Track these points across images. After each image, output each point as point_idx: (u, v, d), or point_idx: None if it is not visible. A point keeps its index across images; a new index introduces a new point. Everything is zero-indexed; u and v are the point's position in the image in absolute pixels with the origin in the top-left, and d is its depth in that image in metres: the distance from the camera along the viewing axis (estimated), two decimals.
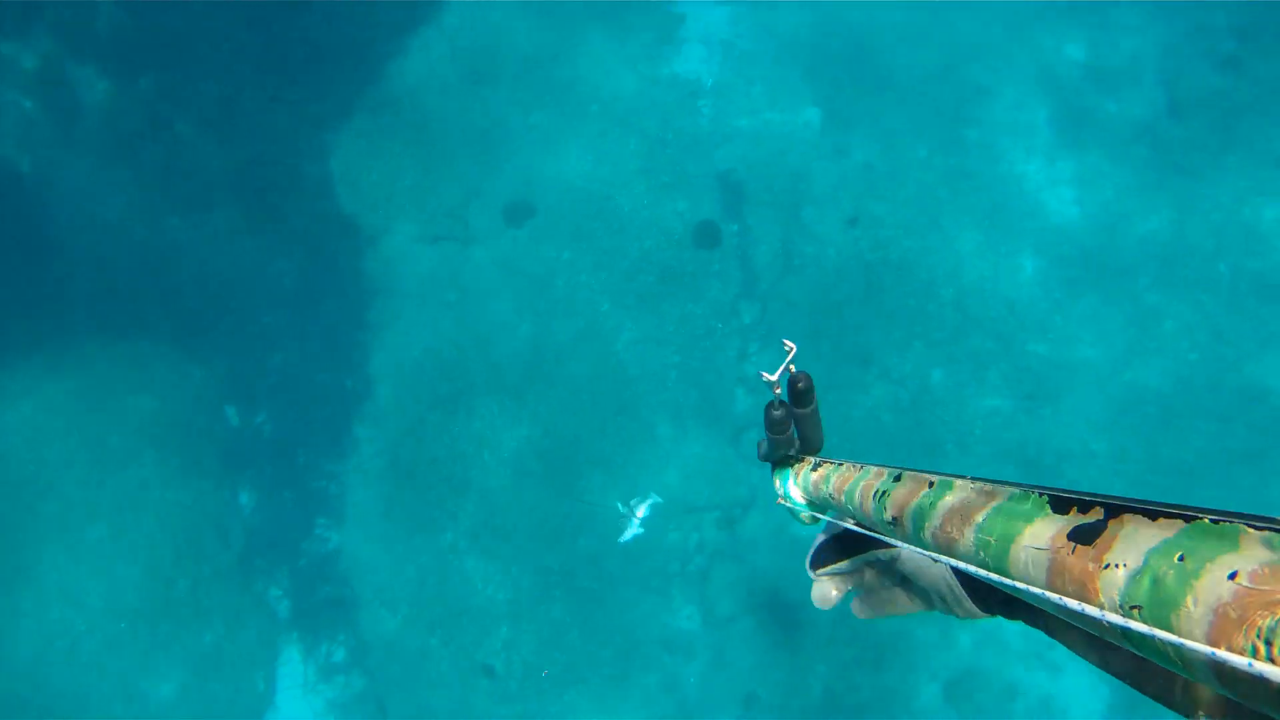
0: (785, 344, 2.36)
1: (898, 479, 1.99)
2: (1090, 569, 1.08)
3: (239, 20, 14.06)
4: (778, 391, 2.58)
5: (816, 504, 2.65)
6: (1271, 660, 0.80)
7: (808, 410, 2.57)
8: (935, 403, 12.47)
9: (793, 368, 2.48)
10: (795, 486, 2.71)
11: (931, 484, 1.80)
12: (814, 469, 2.54)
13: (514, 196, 13.52)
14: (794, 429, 2.60)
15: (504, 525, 12.28)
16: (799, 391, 2.50)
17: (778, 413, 2.61)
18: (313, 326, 13.30)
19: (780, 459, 2.73)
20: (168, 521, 12.55)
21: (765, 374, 2.36)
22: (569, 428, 12.55)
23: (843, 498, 2.32)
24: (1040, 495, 1.36)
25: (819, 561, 2.42)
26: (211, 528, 12.57)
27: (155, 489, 12.62)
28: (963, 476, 1.72)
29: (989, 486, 1.56)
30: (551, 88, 13.99)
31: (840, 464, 2.44)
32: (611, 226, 13.42)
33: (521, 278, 13.22)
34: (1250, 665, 0.82)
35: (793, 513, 2.82)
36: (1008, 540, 1.36)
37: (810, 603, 2.15)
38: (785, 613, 12.01)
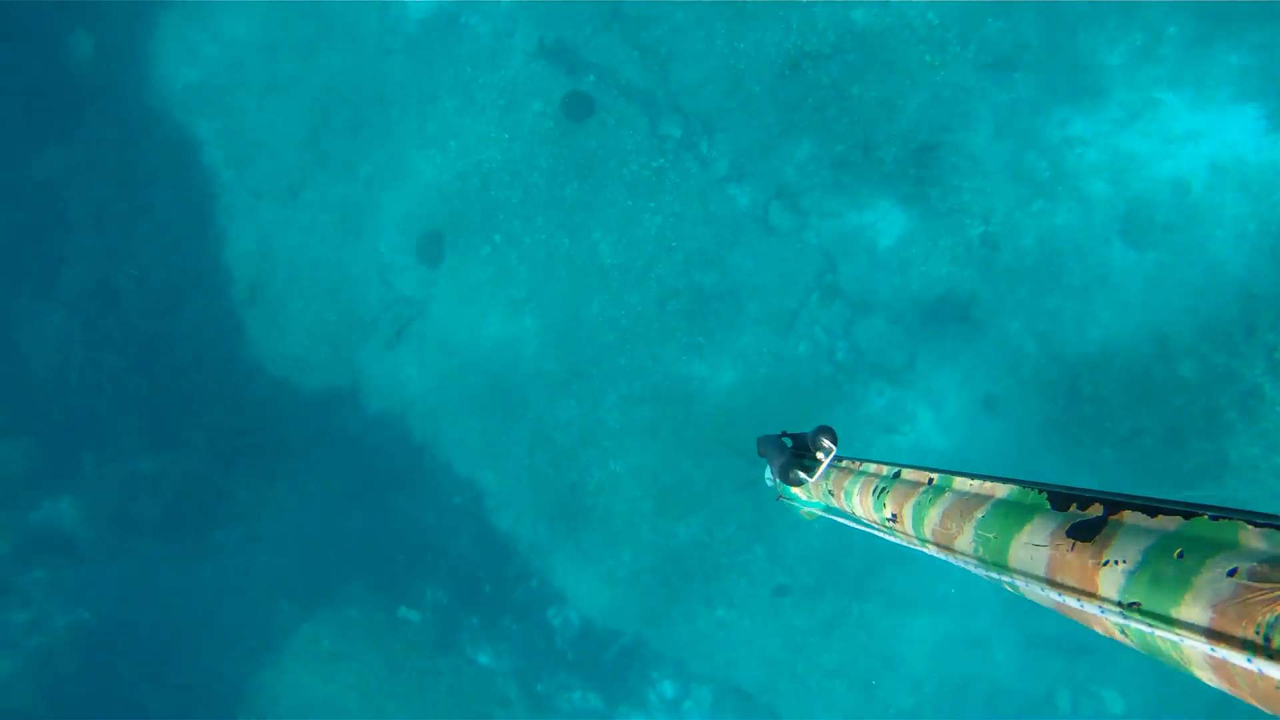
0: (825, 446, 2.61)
1: (897, 476, 2.01)
2: (1089, 565, 1.15)
3: None
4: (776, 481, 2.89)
5: (816, 501, 2.79)
6: (1270, 657, 0.81)
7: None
8: None
9: (821, 455, 2.66)
10: (813, 482, 2.82)
11: (931, 480, 1.80)
12: (798, 475, 2.59)
13: None
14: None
15: None
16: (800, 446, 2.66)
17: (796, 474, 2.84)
18: None
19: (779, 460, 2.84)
20: None
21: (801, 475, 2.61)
22: None
23: (842, 495, 2.38)
24: (1039, 492, 1.38)
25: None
26: None
27: None
28: (962, 473, 1.71)
29: (988, 483, 1.57)
30: None
31: (840, 461, 2.47)
32: None
33: None
34: (1250, 661, 0.83)
35: (793, 509, 3.01)
36: (1007, 537, 1.37)
37: None
38: None
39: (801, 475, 2.63)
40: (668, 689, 13.55)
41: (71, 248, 14.48)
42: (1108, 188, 12.64)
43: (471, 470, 13.82)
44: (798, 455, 2.75)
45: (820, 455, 2.60)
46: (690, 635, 13.37)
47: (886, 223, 12.98)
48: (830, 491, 2.57)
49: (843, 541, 12.79)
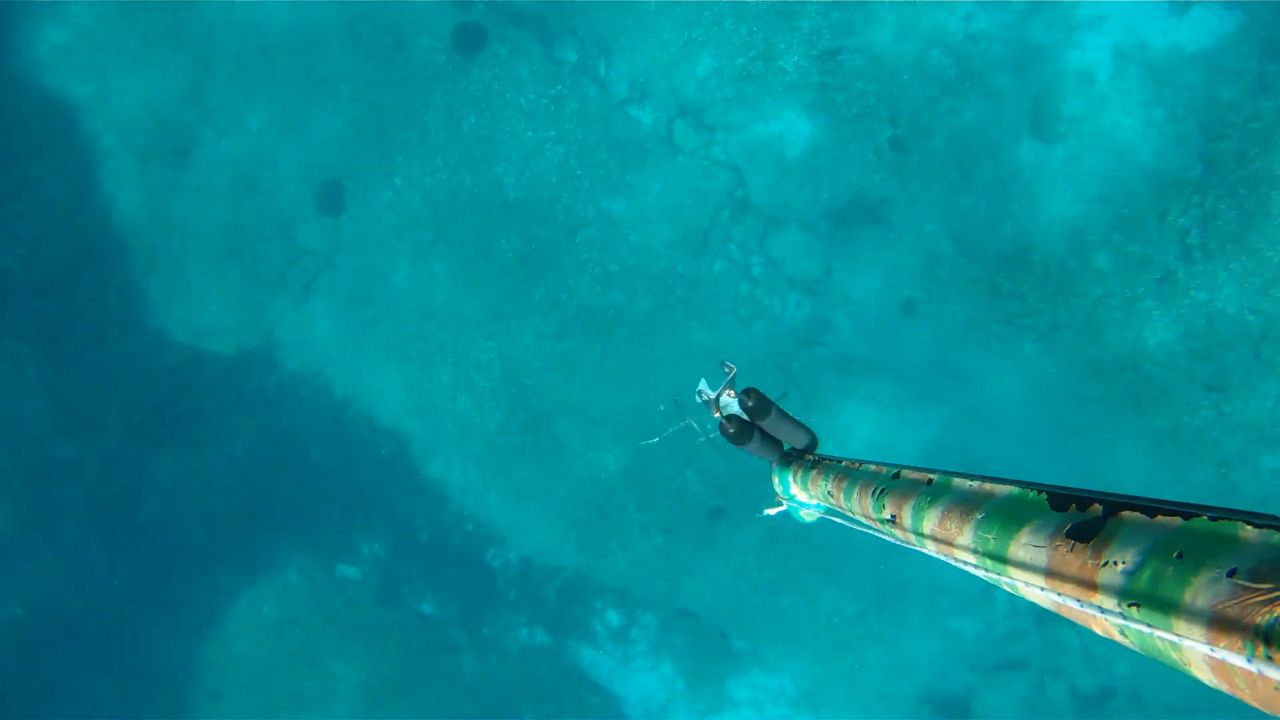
0: (725, 366, 2.67)
1: (896, 476, 2.04)
2: (1089, 566, 1.14)
3: None
4: (718, 414, 2.89)
5: (816, 503, 2.73)
6: (1270, 658, 0.81)
7: (769, 417, 2.68)
8: None
9: (731, 392, 2.75)
10: (795, 485, 2.81)
11: (930, 481, 1.83)
12: (812, 467, 2.52)
13: None
14: (763, 435, 2.72)
15: None
16: (751, 409, 2.64)
17: (732, 429, 2.81)
18: None
19: (779, 459, 2.79)
20: None
21: (702, 393, 2.57)
22: None
23: (841, 495, 2.38)
24: (1039, 493, 1.39)
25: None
26: None
27: None
28: (961, 474, 1.74)
29: (987, 484, 1.58)
30: None
31: (839, 461, 2.47)
32: None
33: None
34: (1249, 662, 0.83)
35: (792, 510, 2.97)
36: (1007, 537, 1.38)
37: None
38: None
39: (701, 386, 2.94)
40: (613, 618, 13.61)
41: None
42: (1014, 81, 12.45)
43: (396, 420, 13.56)
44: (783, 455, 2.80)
45: (728, 376, 2.79)
46: (630, 564, 13.38)
47: (794, 133, 12.70)
48: (830, 492, 2.55)
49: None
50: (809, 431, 2.85)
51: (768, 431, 2.98)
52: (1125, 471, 12.71)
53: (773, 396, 3.05)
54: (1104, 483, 11.41)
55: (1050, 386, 12.69)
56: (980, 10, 12.49)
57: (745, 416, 2.96)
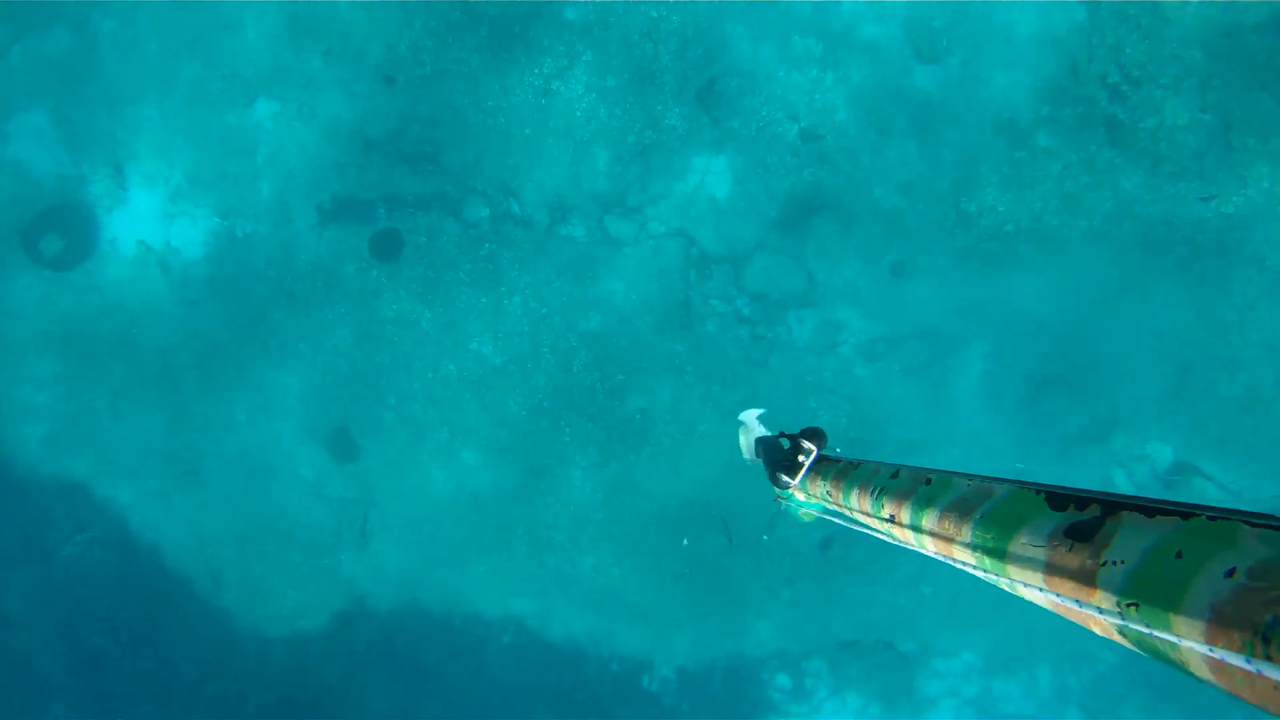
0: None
1: (895, 476, 2.00)
2: (1088, 565, 1.16)
3: None
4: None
5: (814, 502, 2.73)
6: (1269, 657, 0.81)
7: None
8: None
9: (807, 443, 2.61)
10: (794, 485, 2.76)
11: (928, 481, 1.82)
12: (810, 468, 2.50)
13: None
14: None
15: None
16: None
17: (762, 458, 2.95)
18: None
19: (777, 458, 2.76)
20: None
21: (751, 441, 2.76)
22: None
23: (840, 495, 2.34)
24: (1037, 493, 1.39)
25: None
26: None
27: None
28: (960, 473, 1.74)
29: (986, 484, 1.57)
30: None
31: (837, 461, 2.45)
32: None
33: None
34: (1249, 662, 0.83)
35: (790, 511, 2.92)
36: (1005, 537, 1.37)
37: None
38: None
39: (785, 479, 2.63)
40: (784, 681, 13.58)
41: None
42: (878, 26, 12.51)
43: (501, 606, 13.69)
44: (787, 457, 2.74)
45: (801, 458, 2.59)
46: (772, 627, 13.37)
47: (713, 175, 12.82)
48: (829, 492, 2.54)
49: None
50: (815, 431, 2.83)
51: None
52: (1174, 309, 12.59)
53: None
54: (1161, 320, 11.32)
55: (1066, 271, 12.62)
56: (826, 2, 12.58)
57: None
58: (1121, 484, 13.22)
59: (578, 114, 12.78)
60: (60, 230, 14.37)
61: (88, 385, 14.00)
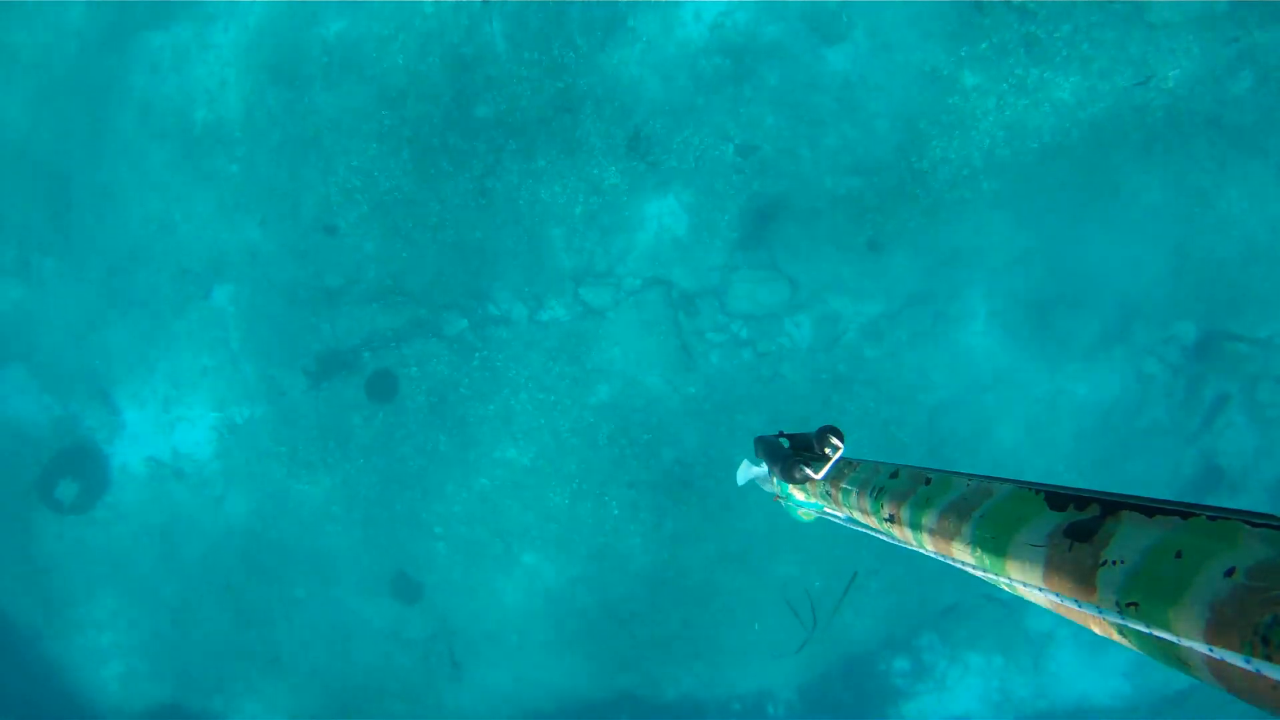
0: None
1: (894, 476, 2.00)
2: (1087, 565, 1.16)
3: None
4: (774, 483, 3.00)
5: (814, 502, 2.84)
6: (1269, 657, 0.80)
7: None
8: None
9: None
10: (793, 485, 2.80)
11: (928, 480, 1.81)
12: (805, 471, 2.53)
13: None
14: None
15: None
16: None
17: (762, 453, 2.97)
18: None
19: (776, 457, 2.77)
20: None
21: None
22: None
23: (839, 495, 2.34)
24: (1037, 492, 1.37)
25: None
26: None
27: None
28: (959, 473, 1.71)
29: (985, 483, 1.55)
30: None
31: (837, 462, 2.43)
32: None
33: None
34: (1249, 662, 0.82)
35: (790, 511, 3.04)
36: (1005, 537, 1.36)
37: None
38: None
39: (808, 472, 2.58)
40: (902, 664, 13.60)
41: None
42: (778, 25, 12.50)
43: (607, 685, 13.73)
44: (800, 453, 2.70)
45: (828, 451, 2.57)
46: (871, 620, 13.39)
47: (668, 215, 12.82)
48: (829, 492, 2.54)
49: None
50: (833, 429, 2.80)
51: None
52: (1149, 194, 12.57)
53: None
54: (1141, 209, 11.30)
55: (1035, 194, 12.60)
56: (726, 10, 12.56)
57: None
58: (1155, 370, 13.21)
59: (520, 203, 12.79)
60: (71, 474, 14.46)
61: (146, 612, 14.09)
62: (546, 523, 13.31)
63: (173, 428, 14.36)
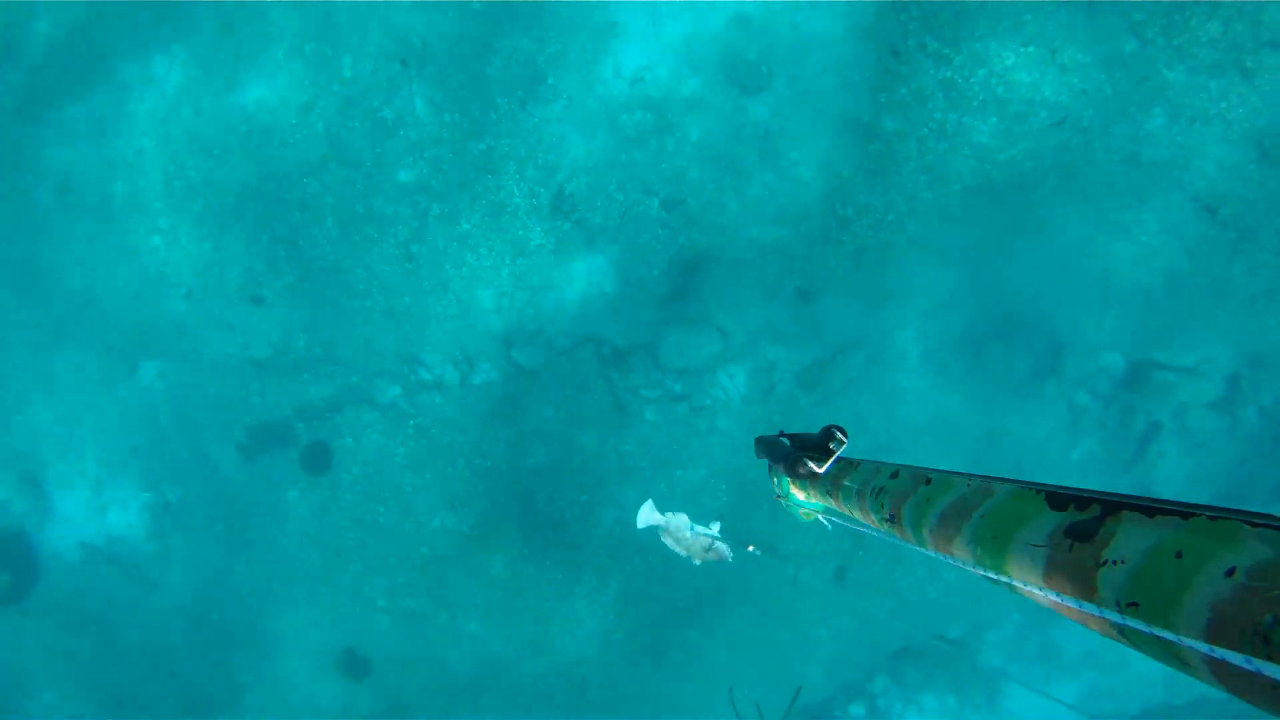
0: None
1: (894, 476, 1.99)
2: (1088, 566, 1.12)
3: None
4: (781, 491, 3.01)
5: (814, 502, 2.76)
6: (1269, 657, 0.80)
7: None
8: None
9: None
10: (794, 485, 2.83)
11: (928, 481, 1.80)
12: (809, 466, 2.51)
13: None
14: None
15: None
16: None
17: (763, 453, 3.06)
18: None
19: (778, 458, 2.80)
20: None
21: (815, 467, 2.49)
22: None
23: (839, 495, 2.35)
24: (1037, 492, 1.38)
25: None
26: None
27: None
28: (959, 473, 1.71)
29: (986, 483, 1.56)
30: None
31: (836, 462, 2.46)
32: None
33: None
34: (1249, 662, 0.83)
35: (791, 511, 3.01)
36: (1005, 537, 1.37)
37: None
38: None
39: (811, 466, 2.61)
40: (858, 710, 13.51)
41: None
42: (697, 77, 12.53)
43: None
44: (802, 450, 2.72)
45: (831, 446, 2.59)
46: (826, 666, 13.31)
47: (595, 272, 12.76)
48: (829, 492, 2.56)
49: None
50: (837, 427, 2.81)
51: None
52: (1071, 229, 12.73)
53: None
54: (1064, 244, 11.42)
55: (958, 234, 12.71)
56: (624, 54, 12.57)
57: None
58: (1087, 402, 13.35)
59: (446, 267, 12.67)
60: (0, 564, 14.00)
61: (87, 705, 13.64)
62: (489, 590, 13.10)
63: (104, 510, 13.98)
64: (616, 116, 12.45)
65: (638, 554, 12.92)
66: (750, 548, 6.97)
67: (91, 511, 13.95)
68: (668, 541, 7.12)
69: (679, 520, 7.07)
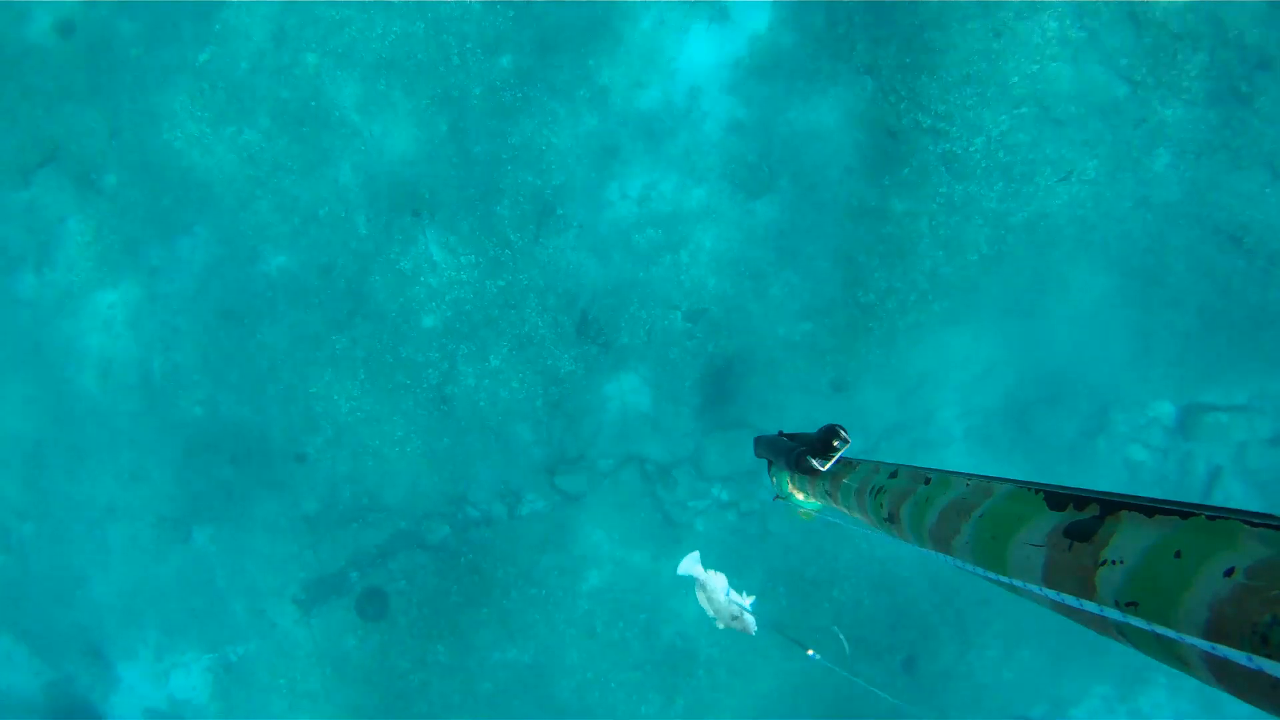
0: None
1: (894, 475, 1.99)
2: (1087, 565, 1.10)
3: None
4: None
5: (813, 502, 2.74)
6: (1269, 656, 0.82)
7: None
8: None
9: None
10: (793, 485, 2.77)
11: (928, 480, 1.79)
12: (809, 466, 2.48)
13: None
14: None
15: None
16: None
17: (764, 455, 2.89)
18: None
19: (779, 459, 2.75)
20: None
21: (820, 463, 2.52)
22: None
23: (838, 494, 2.34)
24: (1036, 492, 1.36)
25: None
26: None
27: None
28: (959, 473, 1.71)
29: (985, 483, 1.54)
30: None
31: (837, 462, 2.45)
32: None
33: None
34: (1250, 661, 0.84)
35: (790, 509, 2.93)
36: (1005, 537, 1.35)
37: None
38: None
39: (813, 464, 2.59)
40: None
41: None
42: (701, 187, 12.73)
43: None
44: (805, 448, 2.71)
45: (835, 445, 2.58)
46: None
47: (629, 392, 12.84)
48: (828, 491, 2.56)
49: None
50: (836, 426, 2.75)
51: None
52: (1098, 282, 12.59)
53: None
54: (1091, 298, 11.22)
55: (984, 304, 12.62)
56: (650, 183, 12.77)
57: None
58: (1143, 456, 13.02)
59: (481, 404, 12.81)
60: None
61: None
62: (558, 718, 12.91)
63: (167, 675, 14.08)
64: (629, 237, 12.65)
65: (701, 668, 12.70)
66: (810, 652, 6.82)
67: (155, 677, 14.06)
68: (700, 597, 7.06)
69: (718, 580, 7.00)
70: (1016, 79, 12.37)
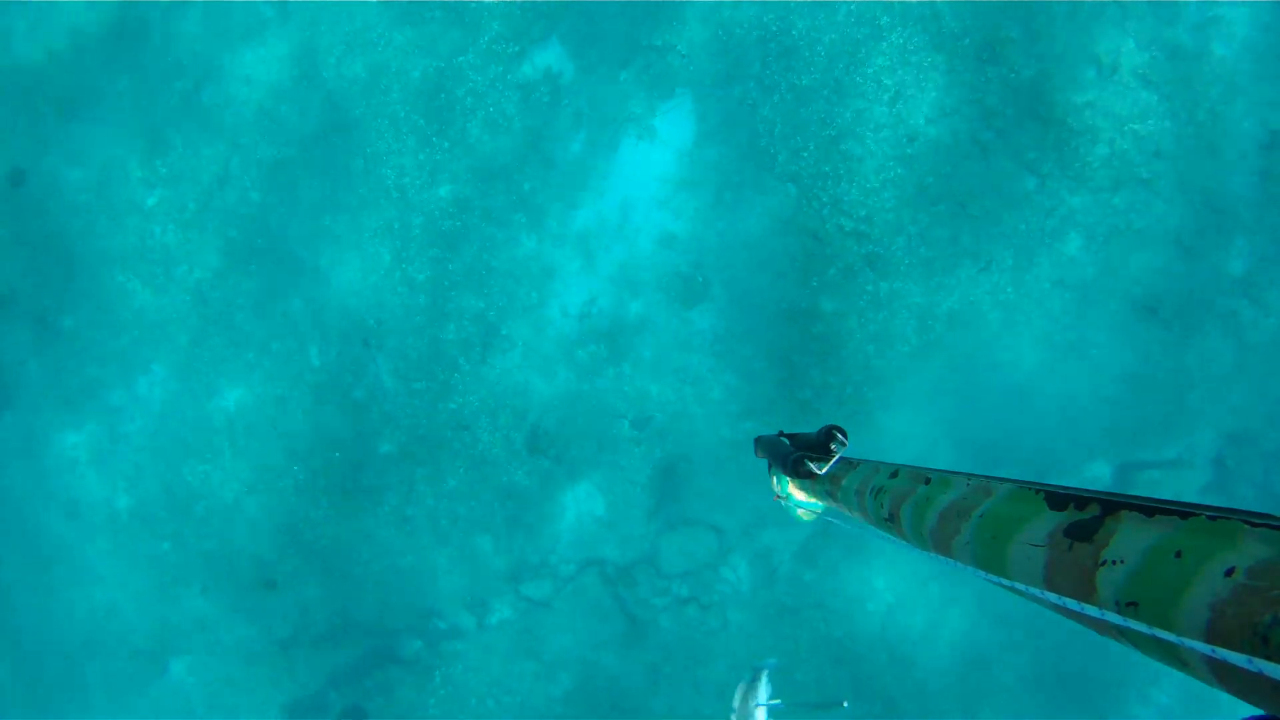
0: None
1: (894, 475, 1.99)
2: (1087, 566, 1.10)
3: None
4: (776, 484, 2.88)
5: (813, 502, 2.73)
6: (1269, 657, 0.78)
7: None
8: None
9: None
10: (793, 485, 2.78)
11: (928, 480, 1.78)
12: (809, 466, 2.48)
13: None
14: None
15: None
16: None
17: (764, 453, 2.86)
18: None
19: (778, 459, 2.71)
20: None
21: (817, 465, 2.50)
22: None
23: (838, 494, 2.36)
24: (1036, 492, 1.36)
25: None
26: None
27: None
28: (959, 473, 1.70)
29: (985, 483, 1.54)
30: None
31: (837, 462, 2.44)
32: None
33: None
34: (1250, 662, 0.80)
35: (790, 510, 2.94)
36: (1005, 538, 1.35)
37: None
38: None
39: (811, 467, 2.59)
40: None
41: None
42: (638, 300, 13.24)
43: None
44: (805, 449, 2.70)
45: (833, 447, 2.59)
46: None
47: (583, 500, 13.26)
48: (828, 491, 2.56)
49: None
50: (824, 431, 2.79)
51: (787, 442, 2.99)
52: (1024, 356, 13.19)
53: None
54: (1020, 371, 11.77)
55: (917, 387, 13.18)
56: (589, 299, 13.29)
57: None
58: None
59: (442, 522, 13.19)
60: None
61: None
62: None
63: None
64: (572, 353, 13.13)
65: None
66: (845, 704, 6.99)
67: None
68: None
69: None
70: (932, 180, 13.02)
